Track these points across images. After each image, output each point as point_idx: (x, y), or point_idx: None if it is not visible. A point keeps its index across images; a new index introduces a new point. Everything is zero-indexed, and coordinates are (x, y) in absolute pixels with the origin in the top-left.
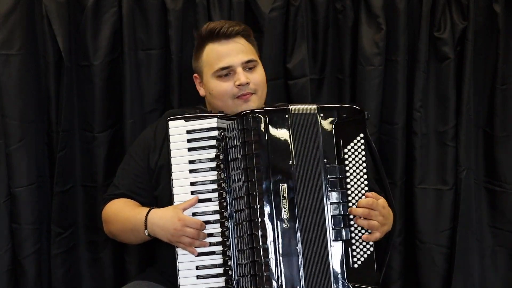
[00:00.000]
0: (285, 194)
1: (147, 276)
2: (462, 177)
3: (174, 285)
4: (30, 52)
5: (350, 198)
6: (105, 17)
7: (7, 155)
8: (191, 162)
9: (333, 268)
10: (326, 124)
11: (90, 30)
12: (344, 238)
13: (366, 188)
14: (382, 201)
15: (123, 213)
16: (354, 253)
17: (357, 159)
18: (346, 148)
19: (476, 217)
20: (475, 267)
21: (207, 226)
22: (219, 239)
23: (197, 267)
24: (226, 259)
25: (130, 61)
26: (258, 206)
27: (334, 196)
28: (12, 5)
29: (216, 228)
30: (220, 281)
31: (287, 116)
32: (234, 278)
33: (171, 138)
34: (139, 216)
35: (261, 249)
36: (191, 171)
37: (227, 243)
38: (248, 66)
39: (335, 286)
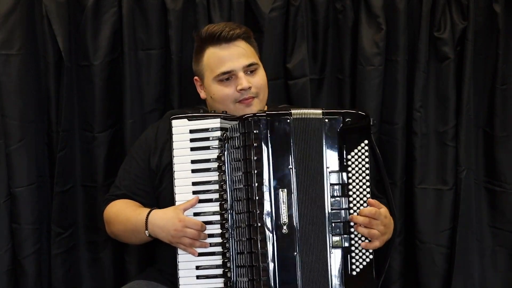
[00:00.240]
0: (285, 200)
1: (147, 276)
2: (462, 177)
3: (174, 284)
4: (30, 52)
5: (351, 205)
6: (105, 17)
7: (7, 155)
8: (193, 162)
9: (331, 275)
10: (330, 129)
11: (90, 30)
12: (344, 245)
13: (368, 196)
14: (384, 210)
15: (124, 214)
16: (353, 260)
17: (360, 165)
18: (349, 154)
19: (476, 217)
20: (475, 267)
21: (208, 226)
22: (219, 240)
23: (197, 267)
24: (225, 260)
25: (130, 61)
26: (258, 211)
27: (335, 202)
28: (12, 5)
29: (216, 229)
30: (220, 281)
31: (289, 120)
32: (233, 280)
33: (174, 137)
34: (140, 217)
35: (259, 254)
36: (193, 170)
37: (227, 244)
38: (250, 69)
39: None
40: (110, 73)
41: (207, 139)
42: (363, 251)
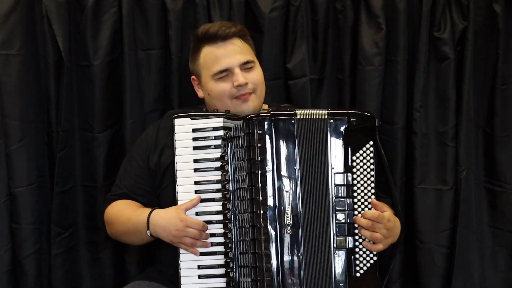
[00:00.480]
0: (289, 201)
1: (147, 276)
2: (462, 177)
3: (174, 284)
4: (30, 52)
5: (356, 206)
6: (105, 17)
7: (7, 155)
8: (196, 161)
9: (335, 276)
10: (335, 130)
11: (90, 30)
12: (348, 246)
13: (373, 197)
14: (388, 213)
15: (125, 214)
16: (357, 262)
17: (365, 167)
18: (354, 155)
19: (476, 217)
20: (475, 267)
21: (210, 226)
22: (221, 239)
23: (199, 267)
24: (228, 260)
25: (130, 61)
26: (262, 212)
27: (339, 203)
28: (12, 5)
29: (218, 229)
30: (222, 281)
31: (293, 121)
32: (236, 280)
33: (177, 136)
34: (141, 217)
35: (263, 254)
36: (195, 170)
37: (230, 244)
38: (246, 67)
39: None
40: (110, 73)
41: (210, 138)
42: (367, 252)
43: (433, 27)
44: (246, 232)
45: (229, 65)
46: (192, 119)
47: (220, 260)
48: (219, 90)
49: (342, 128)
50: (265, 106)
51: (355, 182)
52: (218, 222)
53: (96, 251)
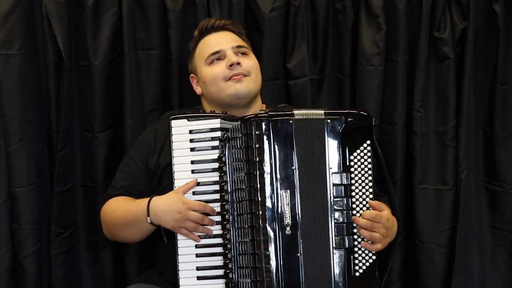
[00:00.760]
0: (288, 201)
1: (146, 279)
2: (462, 177)
3: (174, 286)
4: (30, 52)
5: (354, 205)
6: (105, 17)
7: (7, 155)
8: (193, 162)
9: (334, 276)
10: (333, 129)
11: (90, 30)
12: (347, 246)
13: (371, 196)
14: (386, 213)
15: (123, 207)
16: (356, 261)
17: (363, 166)
18: (352, 155)
19: (476, 217)
20: (475, 267)
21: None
22: (220, 240)
23: (198, 268)
24: (227, 261)
25: (130, 61)
26: (260, 212)
27: (338, 203)
28: (12, 5)
29: (217, 230)
30: (221, 282)
31: (291, 121)
32: (235, 281)
33: (173, 138)
34: (141, 206)
35: (262, 255)
36: (193, 171)
37: (228, 245)
38: (240, 51)
39: None
40: (110, 73)
41: (207, 139)
42: (366, 251)
43: (433, 27)
44: (245, 233)
45: (222, 47)
46: (189, 120)
47: (219, 261)
48: (213, 73)
49: (339, 128)
50: (263, 106)
51: (353, 181)
52: (216, 223)
53: (96, 251)
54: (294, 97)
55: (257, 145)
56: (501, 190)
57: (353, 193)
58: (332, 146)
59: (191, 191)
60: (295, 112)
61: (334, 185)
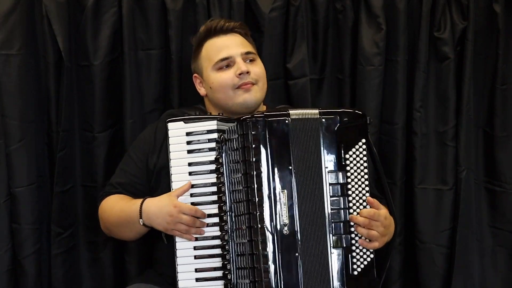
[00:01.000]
0: (285, 201)
1: (146, 279)
2: (462, 177)
3: (173, 287)
4: (30, 52)
5: (351, 204)
6: (105, 17)
7: (7, 155)
8: (190, 164)
9: (332, 275)
10: (327, 129)
11: (90, 30)
12: (344, 245)
13: (368, 194)
14: (384, 211)
15: (118, 205)
16: (354, 260)
17: (358, 164)
18: (347, 153)
19: (476, 217)
20: (475, 267)
21: (206, 228)
22: (218, 242)
23: (197, 270)
24: (225, 262)
25: (130, 61)
26: (258, 213)
27: (334, 202)
28: (12, 5)
29: (215, 231)
30: (220, 284)
31: (287, 121)
32: (233, 282)
33: (171, 140)
34: (134, 207)
35: (260, 255)
36: (190, 173)
37: (226, 247)
38: (248, 57)
39: None
40: (110, 73)
41: (204, 141)
42: (364, 250)
43: (433, 27)
44: (243, 234)
45: (231, 53)
46: (185, 122)
47: (217, 262)
48: (221, 80)
49: (334, 127)
50: (264, 108)
51: (349, 180)
52: (214, 224)
53: (96, 251)
54: (294, 97)
55: (253, 145)
56: (501, 190)
57: (350, 192)
58: (327, 145)
59: (188, 193)
60: (291, 112)
61: (330, 184)
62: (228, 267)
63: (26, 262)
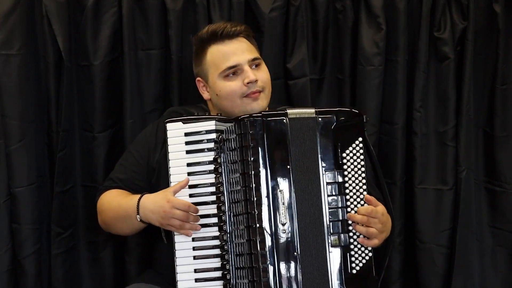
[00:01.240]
0: (283, 200)
1: (146, 279)
2: (462, 177)
3: (173, 287)
4: (30, 52)
5: (348, 203)
6: (105, 17)
7: (7, 155)
8: (189, 164)
9: (331, 274)
10: (324, 128)
11: (90, 30)
12: (343, 244)
13: (365, 193)
14: (381, 208)
15: (116, 200)
16: (353, 259)
17: (355, 163)
18: (344, 152)
19: (476, 217)
20: (475, 267)
21: (205, 229)
22: (217, 242)
23: (196, 270)
24: (224, 263)
25: (130, 61)
26: (256, 212)
27: (332, 201)
28: (12, 5)
29: (214, 231)
30: (219, 284)
31: (285, 120)
32: (232, 283)
33: (169, 140)
34: (132, 202)
35: (259, 255)
36: (189, 173)
37: (225, 247)
38: (255, 63)
39: None
40: (110, 73)
41: (202, 141)
42: (362, 249)
43: (433, 27)
44: (241, 234)
45: (239, 61)
46: (184, 123)
47: (216, 263)
48: (229, 89)
49: (330, 126)
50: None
51: (346, 179)
52: (213, 224)
53: (96, 251)
54: (294, 97)
55: (251, 145)
56: (501, 190)
57: (347, 191)
58: (324, 144)
59: (187, 193)
60: (289, 111)
61: (327, 183)
62: (227, 267)
63: (26, 262)
